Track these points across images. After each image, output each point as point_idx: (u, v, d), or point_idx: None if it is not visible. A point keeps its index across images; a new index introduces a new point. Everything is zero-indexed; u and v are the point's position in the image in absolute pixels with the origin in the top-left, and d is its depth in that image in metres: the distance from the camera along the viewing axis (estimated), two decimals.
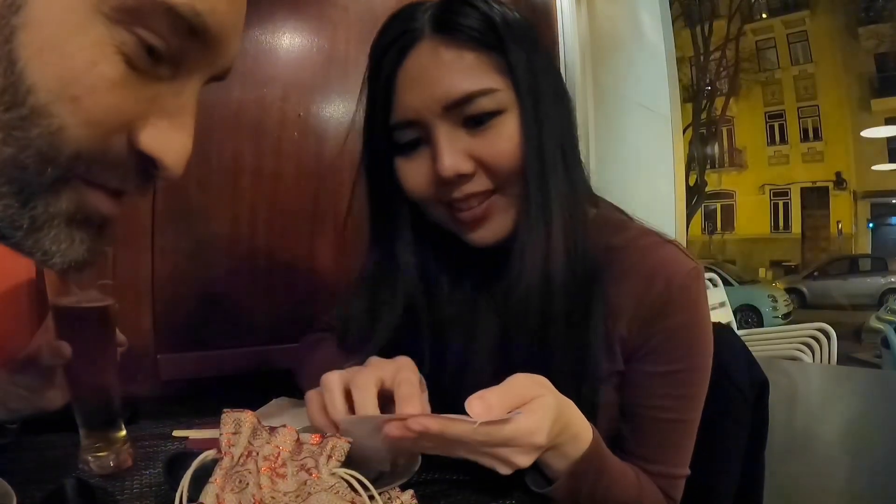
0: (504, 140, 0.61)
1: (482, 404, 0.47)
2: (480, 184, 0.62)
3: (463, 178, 0.61)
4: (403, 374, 0.54)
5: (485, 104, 0.60)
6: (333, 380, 0.54)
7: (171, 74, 0.36)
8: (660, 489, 0.64)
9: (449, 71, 0.60)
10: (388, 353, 0.59)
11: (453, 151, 0.60)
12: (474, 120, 0.60)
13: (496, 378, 0.51)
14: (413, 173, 0.64)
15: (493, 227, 0.64)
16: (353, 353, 0.68)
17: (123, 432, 0.62)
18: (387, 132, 0.64)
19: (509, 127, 0.61)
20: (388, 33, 0.63)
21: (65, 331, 0.60)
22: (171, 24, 0.34)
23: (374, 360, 0.57)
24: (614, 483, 0.59)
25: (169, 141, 0.37)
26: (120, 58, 0.33)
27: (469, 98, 0.59)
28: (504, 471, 0.50)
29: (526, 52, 0.62)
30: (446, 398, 0.55)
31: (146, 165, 0.37)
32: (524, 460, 0.50)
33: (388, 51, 0.62)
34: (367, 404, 0.51)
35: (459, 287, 0.72)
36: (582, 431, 0.56)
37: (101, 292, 0.60)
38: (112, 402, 0.61)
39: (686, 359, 0.64)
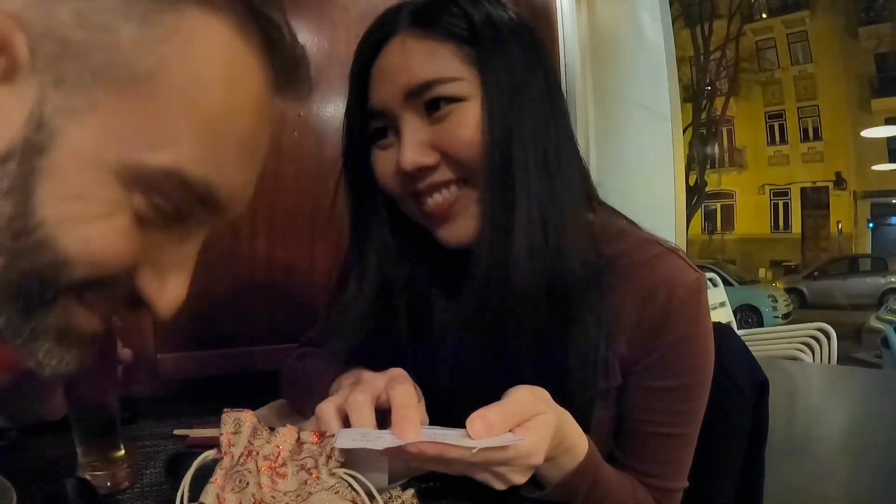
0: (462, 128, 0.59)
1: (483, 423, 0.46)
2: (443, 174, 0.60)
3: (425, 170, 0.60)
4: (397, 384, 0.52)
5: (442, 90, 0.59)
6: (328, 410, 0.52)
7: (179, 227, 0.38)
8: (657, 502, 0.63)
9: (413, 59, 0.59)
10: (371, 360, 0.59)
11: (415, 143, 0.60)
12: (433, 106, 0.59)
13: (483, 391, 0.50)
14: (383, 165, 0.63)
15: (460, 226, 0.61)
16: (338, 356, 0.67)
17: (122, 452, 0.60)
18: (363, 124, 0.64)
19: (468, 115, 0.59)
20: (370, 29, 0.64)
21: None
22: (184, 193, 0.36)
23: (366, 376, 0.55)
24: (609, 494, 0.58)
25: (165, 288, 0.39)
26: (132, 212, 0.35)
27: (428, 85, 0.59)
28: (499, 487, 0.50)
29: (505, 47, 0.60)
30: (437, 408, 0.55)
31: (138, 298, 0.39)
32: (520, 478, 0.49)
33: (366, 45, 0.63)
34: (365, 425, 0.50)
35: (437, 291, 0.70)
36: (578, 443, 0.55)
37: None
38: (111, 421, 0.60)
39: (686, 374, 0.62)
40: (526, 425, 0.48)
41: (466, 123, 0.59)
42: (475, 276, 0.59)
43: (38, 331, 0.35)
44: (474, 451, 0.44)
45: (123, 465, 0.60)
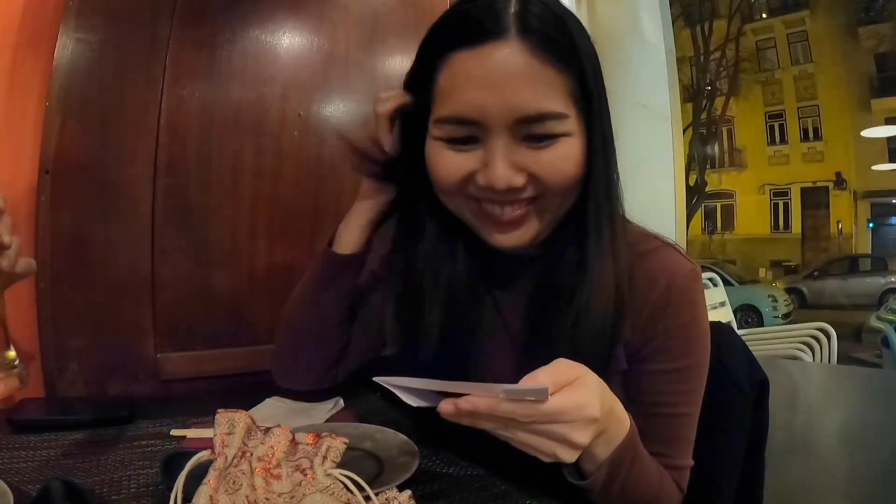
0: (562, 160, 0.59)
1: (534, 383, 0.49)
2: (525, 192, 0.61)
3: (513, 190, 0.60)
4: None
5: (553, 127, 0.58)
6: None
7: None
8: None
9: (532, 84, 0.57)
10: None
11: (509, 164, 0.58)
12: (537, 137, 0.59)
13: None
14: (456, 165, 0.61)
15: (521, 232, 0.63)
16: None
17: (13, 353, 0.54)
18: (439, 121, 0.60)
19: (570, 149, 0.60)
20: (468, 19, 0.59)
21: None
22: None
23: None
24: (643, 470, 0.61)
25: None
26: None
27: (542, 118, 0.58)
28: (566, 455, 0.51)
29: (597, 81, 0.62)
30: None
31: None
32: (582, 437, 0.50)
33: (466, 40, 0.58)
34: None
35: (471, 285, 0.70)
36: (623, 414, 0.58)
37: None
38: None
39: (687, 356, 0.66)
40: (575, 383, 0.51)
41: (568, 159, 0.60)
42: (587, 297, 0.62)
43: None
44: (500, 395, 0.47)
45: (15, 369, 0.54)
